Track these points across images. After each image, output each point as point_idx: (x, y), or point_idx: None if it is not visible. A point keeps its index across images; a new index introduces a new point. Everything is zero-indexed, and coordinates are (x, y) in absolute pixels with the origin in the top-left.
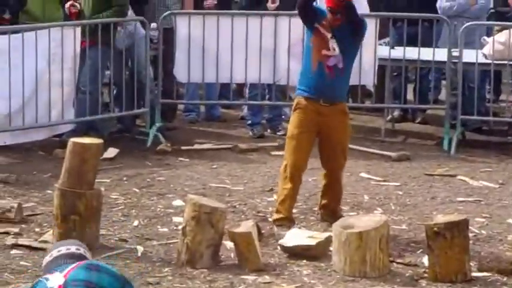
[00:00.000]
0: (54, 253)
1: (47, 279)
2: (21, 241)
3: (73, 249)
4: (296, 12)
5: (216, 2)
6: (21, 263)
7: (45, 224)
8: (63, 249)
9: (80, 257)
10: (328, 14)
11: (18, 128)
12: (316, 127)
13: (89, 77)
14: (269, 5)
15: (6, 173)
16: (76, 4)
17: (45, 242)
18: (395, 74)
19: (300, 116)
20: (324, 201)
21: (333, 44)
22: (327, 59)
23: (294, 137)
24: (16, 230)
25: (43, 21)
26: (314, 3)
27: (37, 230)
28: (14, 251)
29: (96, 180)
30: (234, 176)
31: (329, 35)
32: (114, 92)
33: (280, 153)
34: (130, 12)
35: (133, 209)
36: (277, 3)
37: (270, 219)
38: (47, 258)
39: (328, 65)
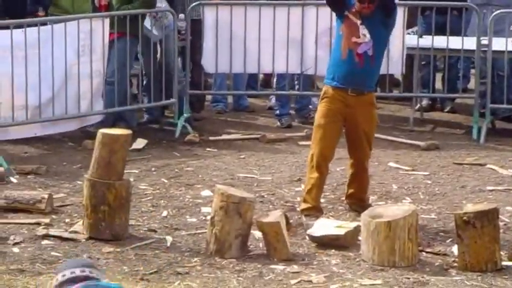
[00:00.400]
0: (59, 277)
1: None
2: (52, 232)
3: (78, 272)
4: (323, 1)
5: None
6: (52, 253)
7: (75, 215)
8: (68, 274)
9: (85, 279)
10: (356, 2)
11: (48, 120)
12: (343, 117)
13: (116, 68)
14: None
15: (37, 164)
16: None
17: (75, 232)
18: (423, 63)
19: (327, 106)
20: (350, 191)
21: (363, 30)
22: (357, 46)
23: (321, 127)
24: (47, 220)
25: (72, 13)
26: None
27: (67, 220)
28: (44, 242)
29: (125, 171)
30: (262, 166)
31: (359, 22)
32: (144, 82)
33: (308, 143)
34: (165, 4)
35: (162, 200)
36: None
37: (298, 209)
38: (54, 283)
39: (358, 52)
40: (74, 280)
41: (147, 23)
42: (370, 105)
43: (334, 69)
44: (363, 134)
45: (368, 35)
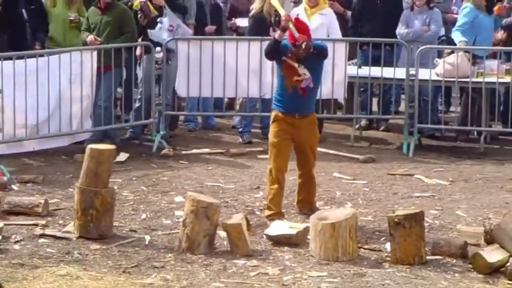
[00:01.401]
0: None
1: None
2: (48, 231)
3: None
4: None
5: (215, 28)
6: (48, 250)
7: (67, 217)
8: None
9: None
10: (292, 47)
11: (45, 136)
12: (291, 135)
13: (104, 96)
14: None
15: (35, 174)
16: (97, 38)
17: (67, 232)
18: (362, 89)
19: (278, 127)
20: (300, 197)
21: (302, 70)
22: (299, 82)
23: (275, 145)
24: (43, 222)
25: (64, 46)
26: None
27: (61, 222)
28: (41, 240)
29: (110, 180)
30: (227, 176)
31: (296, 65)
32: (137, 105)
33: (265, 156)
34: (173, 15)
35: (142, 204)
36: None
37: (258, 213)
38: None
39: (301, 87)
40: None
41: (157, 32)
42: (312, 124)
43: (282, 100)
44: (309, 148)
45: (307, 73)
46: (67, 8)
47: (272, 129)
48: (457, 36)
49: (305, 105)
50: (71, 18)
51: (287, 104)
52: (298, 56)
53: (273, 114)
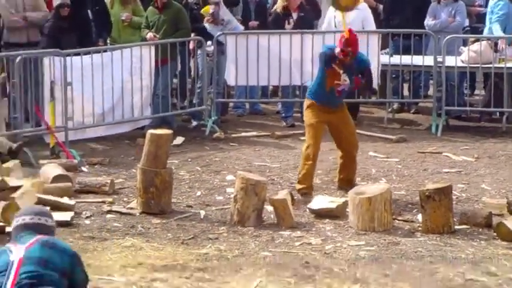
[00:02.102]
0: (14, 223)
1: (10, 252)
2: (114, 208)
3: (27, 219)
4: (317, 30)
5: (257, 23)
6: (114, 224)
7: (131, 195)
8: (20, 220)
9: (35, 226)
10: (341, 56)
11: (109, 123)
12: (325, 119)
13: (162, 87)
14: (286, 26)
15: (101, 157)
16: (156, 35)
17: (131, 208)
18: (394, 76)
19: (314, 111)
20: (341, 176)
21: (344, 77)
22: (338, 86)
23: (312, 126)
24: (110, 199)
25: (119, 42)
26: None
27: (125, 199)
28: (108, 216)
29: (168, 161)
30: (272, 156)
31: (341, 71)
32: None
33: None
34: (226, 10)
35: (196, 183)
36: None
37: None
38: (14, 223)
39: (338, 90)
40: (27, 227)
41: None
42: (344, 110)
43: (317, 93)
44: (351, 134)
45: (348, 80)
46: (122, 8)
47: (307, 113)
48: (496, 27)
49: (337, 102)
50: (123, 18)
51: (321, 98)
52: (345, 63)
53: (307, 101)
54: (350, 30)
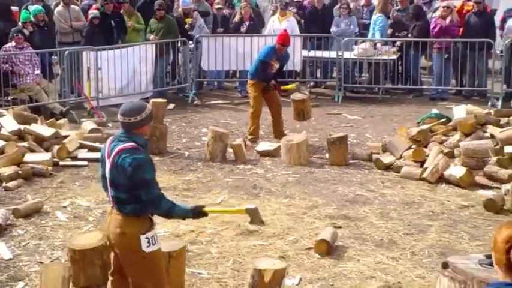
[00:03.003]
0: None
1: None
2: None
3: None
4: (262, 34)
5: (222, 29)
6: None
7: None
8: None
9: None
10: (279, 46)
11: (125, 94)
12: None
13: (159, 71)
14: (242, 30)
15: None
16: (156, 37)
17: None
18: (311, 64)
19: (256, 87)
20: (275, 129)
21: (276, 64)
22: (272, 69)
23: (255, 97)
24: None
25: (127, 42)
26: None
27: None
28: None
29: (164, 119)
30: (232, 116)
31: (275, 63)
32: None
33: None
34: (201, 20)
35: (183, 134)
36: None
37: (247, 139)
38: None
39: (271, 72)
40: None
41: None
42: (275, 88)
43: (257, 75)
44: (276, 100)
45: (278, 66)
46: (128, 20)
47: (252, 88)
48: (377, 34)
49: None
50: (128, 25)
51: (259, 78)
52: (279, 54)
53: (250, 81)
54: (285, 30)
